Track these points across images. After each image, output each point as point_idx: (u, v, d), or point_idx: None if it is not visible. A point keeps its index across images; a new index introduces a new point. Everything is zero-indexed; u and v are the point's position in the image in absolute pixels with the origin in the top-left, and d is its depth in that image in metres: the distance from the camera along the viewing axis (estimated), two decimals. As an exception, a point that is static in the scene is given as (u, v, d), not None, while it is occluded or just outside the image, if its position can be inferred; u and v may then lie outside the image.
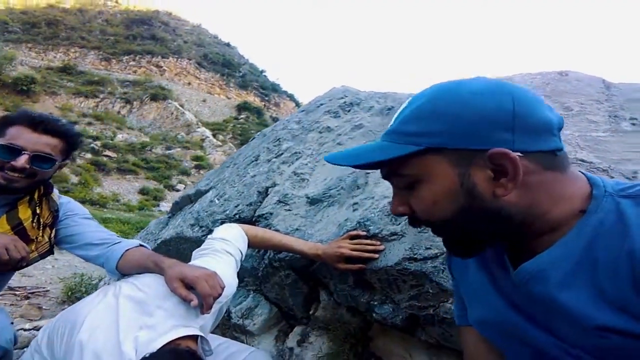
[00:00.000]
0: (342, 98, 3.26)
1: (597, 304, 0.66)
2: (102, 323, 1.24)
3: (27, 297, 4.17)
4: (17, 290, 4.25)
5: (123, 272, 1.70)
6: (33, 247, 1.71)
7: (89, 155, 32.72)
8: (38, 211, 1.73)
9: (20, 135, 1.57)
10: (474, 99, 0.69)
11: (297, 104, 76.26)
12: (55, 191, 1.86)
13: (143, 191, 29.55)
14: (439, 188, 0.73)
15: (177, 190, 31.89)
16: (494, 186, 0.70)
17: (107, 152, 35.06)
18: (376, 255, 1.68)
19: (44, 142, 1.61)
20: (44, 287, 4.60)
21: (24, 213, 1.69)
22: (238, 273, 2.69)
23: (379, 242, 1.71)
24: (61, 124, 1.69)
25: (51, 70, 51.71)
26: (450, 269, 1.06)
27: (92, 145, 34.29)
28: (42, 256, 1.78)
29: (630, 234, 0.64)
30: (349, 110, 3.11)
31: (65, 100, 45.91)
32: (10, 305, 3.81)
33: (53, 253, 1.83)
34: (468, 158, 0.70)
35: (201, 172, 37.15)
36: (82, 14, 68.58)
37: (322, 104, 3.34)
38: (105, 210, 19.28)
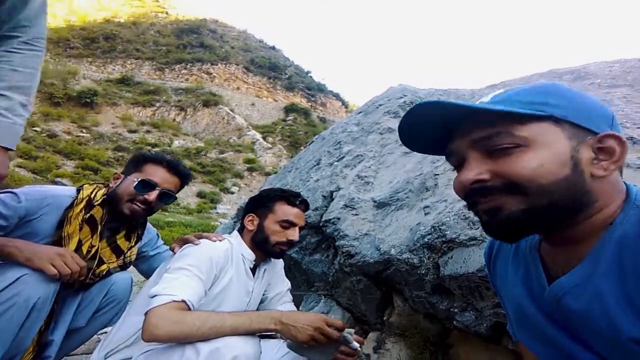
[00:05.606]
0: (401, 97, 3.19)
1: (627, 315, 0.67)
2: None
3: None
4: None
5: None
6: (120, 259, 1.87)
7: (148, 162, 34.24)
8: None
9: (156, 173, 1.77)
10: (586, 96, 0.78)
11: (344, 103, 76.08)
12: None
13: (200, 194, 30.63)
14: (551, 153, 0.73)
15: (232, 193, 32.79)
16: (592, 167, 0.73)
17: (165, 158, 36.81)
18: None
19: (172, 182, 1.82)
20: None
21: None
22: (308, 278, 2.72)
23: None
24: (184, 166, 1.89)
25: (110, 82, 54.78)
26: (492, 281, 1.06)
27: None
28: (122, 267, 1.91)
29: None
30: (410, 110, 3.04)
31: (124, 110, 48.55)
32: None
33: (127, 268, 1.97)
34: (581, 136, 0.74)
35: (253, 174, 37.97)
36: (135, 27, 72.05)
37: (380, 105, 3.28)
38: (167, 214, 20.10)
